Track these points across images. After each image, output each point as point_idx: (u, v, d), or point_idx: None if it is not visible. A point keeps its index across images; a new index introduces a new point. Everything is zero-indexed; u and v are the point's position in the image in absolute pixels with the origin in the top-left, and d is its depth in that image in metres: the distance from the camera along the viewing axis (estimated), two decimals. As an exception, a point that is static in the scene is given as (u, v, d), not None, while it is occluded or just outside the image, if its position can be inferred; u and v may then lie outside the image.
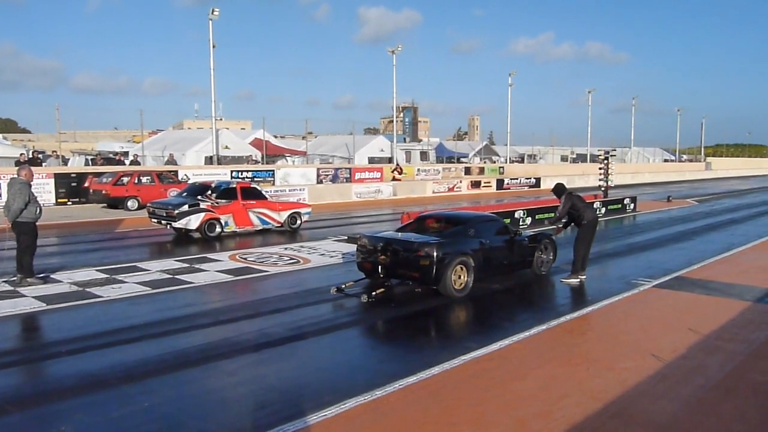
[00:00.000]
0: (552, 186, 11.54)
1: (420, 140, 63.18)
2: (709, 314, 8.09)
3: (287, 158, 38.56)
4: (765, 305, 8.59)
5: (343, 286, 9.53)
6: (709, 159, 76.41)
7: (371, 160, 39.82)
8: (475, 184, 35.83)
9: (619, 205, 23.25)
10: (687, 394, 5.39)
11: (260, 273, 10.94)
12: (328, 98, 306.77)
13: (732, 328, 7.43)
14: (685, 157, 78.94)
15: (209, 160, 30.23)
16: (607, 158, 24.56)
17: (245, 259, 12.25)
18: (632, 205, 23.72)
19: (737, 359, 6.30)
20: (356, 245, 10.12)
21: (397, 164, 35.33)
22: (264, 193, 17.48)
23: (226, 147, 32.87)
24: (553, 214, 19.47)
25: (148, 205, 16.30)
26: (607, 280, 11.05)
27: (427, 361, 6.17)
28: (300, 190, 26.20)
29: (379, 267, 9.33)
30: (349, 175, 31.78)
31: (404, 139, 67.79)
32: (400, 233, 10.13)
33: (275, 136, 45.88)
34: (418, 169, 37.47)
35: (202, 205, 15.10)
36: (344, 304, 8.80)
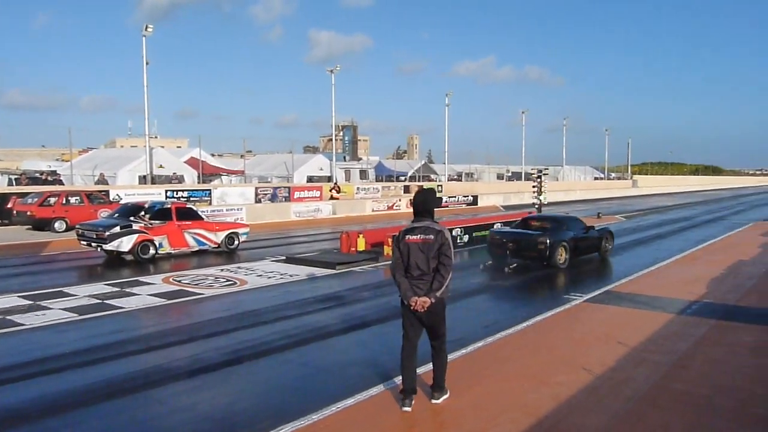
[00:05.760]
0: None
1: (360, 159, 63.48)
2: (636, 327, 8.41)
3: (223, 177, 37.92)
4: (687, 317, 9.00)
5: (481, 266, 14.11)
6: (635, 177, 79.95)
7: (310, 179, 39.66)
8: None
9: (553, 222, 23.95)
10: (616, 406, 5.57)
11: (195, 296, 10.66)
12: (271, 117, 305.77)
13: (657, 340, 7.74)
14: (613, 174, 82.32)
15: (143, 180, 29.39)
16: (540, 176, 25.34)
17: (179, 281, 11.92)
18: (565, 222, 24.44)
19: (662, 370, 6.56)
20: (488, 238, 15.07)
21: (335, 183, 35.29)
22: (200, 213, 17.12)
23: (161, 166, 32.04)
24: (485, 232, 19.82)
25: (77, 226, 15.69)
26: (542, 295, 11.37)
27: (365, 382, 6.14)
28: (237, 209, 25.76)
29: (507, 251, 13.87)
30: (288, 194, 31.51)
31: (344, 157, 67.96)
32: (517, 229, 14.78)
33: (212, 155, 45.11)
34: (358, 188, 37.55)
35: (135, 227, 14.66)
36: (280, 327, 8.68)
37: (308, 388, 6.28)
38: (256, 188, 31.17)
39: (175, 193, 26.43)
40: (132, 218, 14.95)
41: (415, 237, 5.29)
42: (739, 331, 8.27)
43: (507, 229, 15.47)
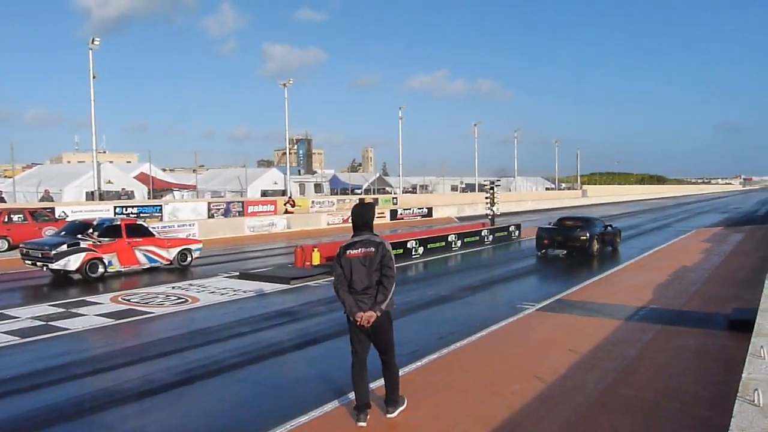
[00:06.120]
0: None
1: (314, 172, 63.24)
2: (586, 334, 8.59)
3: (175, 192, 37.23)
4: (635, 323, 9.26)
5: (539, 253, 18.76)
6: (585, 186, 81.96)
7: (264, 193, 39.30)
8: (370, 215, 36.09)
9: (505, 232, 24.33)
10: (567, 413, 5.67)
11: (144, 315, 10.39)
12: (224, 131, 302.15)
13: (606, 346, 7.93)
14: (564, 185, 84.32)
15: (90, 196, 28.59)
16: (492, 188, 25.71)
17: (128, 300, 11.60)
18: (517, 232, 24.86)
19: (611, 376, 6.71)
20: (537, 233, 19.16)
21: (290, 197, 35.05)
22: (151, 229, 16.76)
23: (109, 182, 31.25)
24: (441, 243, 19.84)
25: (21, 245, 15.13)
26: (495, 305, 11.49)
27: (319, 399, 6.08)
28: (190, 225, 25.31)
29: (555, 243, 18.46)
30: (241, 209, 31.11)
31: (298, 171, 67.59)
32: (557, 227, 18.99)
33: (164, 170, 44.31)
34: (313, 202, 37.38)
35: (83, 245, 14.26)
36: (233, 345, 8.54)
37: (262, 406, 6.19)
38: (209, 203, 30.68)
39: (124, 209, 25.78)
40: (80, 236, 14.54)
41: (355, 251, 5.23)
42: (683, 335, 8.54)
43: (550, 227, 19.36)
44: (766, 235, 23.66)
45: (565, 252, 18.40)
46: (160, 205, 28.10)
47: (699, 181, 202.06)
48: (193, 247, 16.99)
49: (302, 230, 29.94)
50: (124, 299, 11.73)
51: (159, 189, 34.85)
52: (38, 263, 14.26)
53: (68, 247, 14.04)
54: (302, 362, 7.88)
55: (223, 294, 12.31)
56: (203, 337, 8.94)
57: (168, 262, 16.08)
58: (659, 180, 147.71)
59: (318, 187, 48.22)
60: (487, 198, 25.85)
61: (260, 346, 8.46)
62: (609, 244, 19.68)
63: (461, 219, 38.81)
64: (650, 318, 9.56)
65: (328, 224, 32.38)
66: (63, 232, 15.23)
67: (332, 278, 5.42)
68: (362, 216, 5.42)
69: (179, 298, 11.85)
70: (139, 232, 15.68)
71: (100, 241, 14.57)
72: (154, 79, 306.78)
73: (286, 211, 32.34)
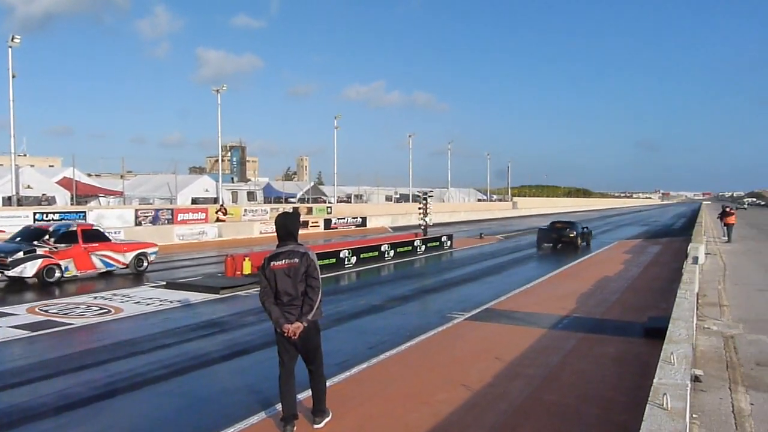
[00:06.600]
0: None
1: (248, 180, 62.34)
2: (512, 343, 8.82)
3: (101, 198, 35.84)
4: (559, 331, 9.59)
5: (540, 248, 24.70)
6: (515, 198, 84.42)
7: (195, 201, 38.41)
8: (303, 224, 35.91)
9: (438, 243, 24.69)
10: (492, 420, 5.80)
11: (63, 326, 9.91)
12: (155, 136, 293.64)
13: (531, 354, 8.18)
14: (495, 196, 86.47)
15: (8, 201, 27.14)
16: (425, 198, 26.05)
17: (46, 311, 11.05)
18: (449, 243, 25.28)
19: (535, 383, 6.92)
20: (537, 233, 25.99)
21: (222, 205, 34.36)
22: (108, 234, 16.64)
23: (29, 186, 29.79)
24: (373, 253, 19.91)
25: None
26: (425, 315, 11.63)
27: (246, 411, 5.98)
28: (115, 232, 24.24)
29: (551, 239, 24.87)
30: (171, 217, 30.26)
31: (232, 179, 66.52)
32: (551, 228, 25.50)
33: (89, 175, 42.58)
34: (246, 210, 36.78)
35: (39, 251, 14.13)
36: (157, 357, 8.27)
37: (186, 419, 6.02)
38: (137, 210, 29.69)
39: (44, 215, 24.59)
40: (36, 242, 14.41)
41: (279, 263, 5.20)
42: (604, 342, 8.91)
43: (546, 228, 25.83)
44: (682, 247, 24.97)
45: (560, 246, 24.81)
46: (84, 212, 26.96)
47: (622, 195, 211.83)
48: (149, 250, 17.00)
49: (234, 239, 29.38)
50: (41, 310, 11.17)
51: (83, 195, 33.50)
52: None
53: (24, 254, 13.92)
54: (230, 373, 7.73)
55: (148, 304, 11.92)
56: (126, 348, 8.62)
57: (124, 266, 16.18)
58: (585, 193, 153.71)
59: (251, 195, 47.57)
60: (420, 208, 26.15)
61: (186, 358, 8.23)
62: (584, 240, 26.15)
63: (395, 229, 39.11)
64: (573, 326, 9.92)
65: (261, 233, 31.89)
66: (18, 238, 15.05)
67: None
68: (285, 226, 5.36)
69: (101, 309, 11.38)
70: (95, 237, 15.73)
71: (56, 247, 14.51)
72: (81, 80, 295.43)
73: (218, 219, 31.67)
